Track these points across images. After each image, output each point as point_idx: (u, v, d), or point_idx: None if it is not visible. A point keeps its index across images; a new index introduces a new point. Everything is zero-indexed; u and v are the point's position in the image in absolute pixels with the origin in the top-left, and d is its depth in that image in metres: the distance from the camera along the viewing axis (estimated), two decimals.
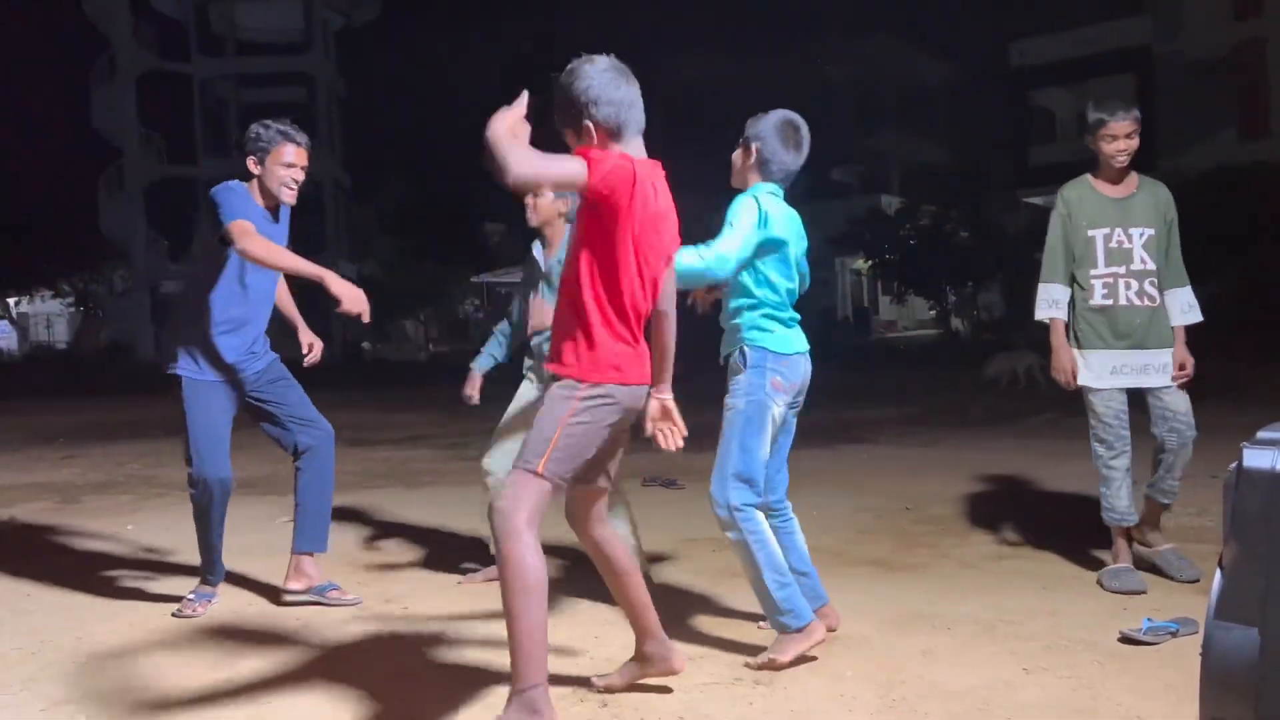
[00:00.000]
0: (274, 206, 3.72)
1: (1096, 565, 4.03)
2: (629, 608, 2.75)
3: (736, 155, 3.26)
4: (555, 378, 2.53)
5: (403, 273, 33.99)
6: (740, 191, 3.21)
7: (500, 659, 3.15)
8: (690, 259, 2.93)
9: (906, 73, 34.03)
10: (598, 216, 2.45)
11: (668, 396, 2.72)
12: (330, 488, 3.94)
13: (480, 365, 4.19)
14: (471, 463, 8.01)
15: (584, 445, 2.46)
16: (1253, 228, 19.17)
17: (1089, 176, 3.97)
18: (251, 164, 3.65)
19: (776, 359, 3.13)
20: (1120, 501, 3.86)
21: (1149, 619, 3.25)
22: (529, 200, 3.95)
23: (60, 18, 32.95)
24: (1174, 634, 3.15)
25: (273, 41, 33.45)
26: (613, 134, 2.53)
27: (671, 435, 2.73)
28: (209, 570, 3.80)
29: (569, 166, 2.39)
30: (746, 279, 3.16)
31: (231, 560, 4.56)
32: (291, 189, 3.67)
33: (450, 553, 4.71)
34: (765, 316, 3.15)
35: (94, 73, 32.63)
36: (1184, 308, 3.88)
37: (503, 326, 4.27)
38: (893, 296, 28.92)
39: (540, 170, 2.36)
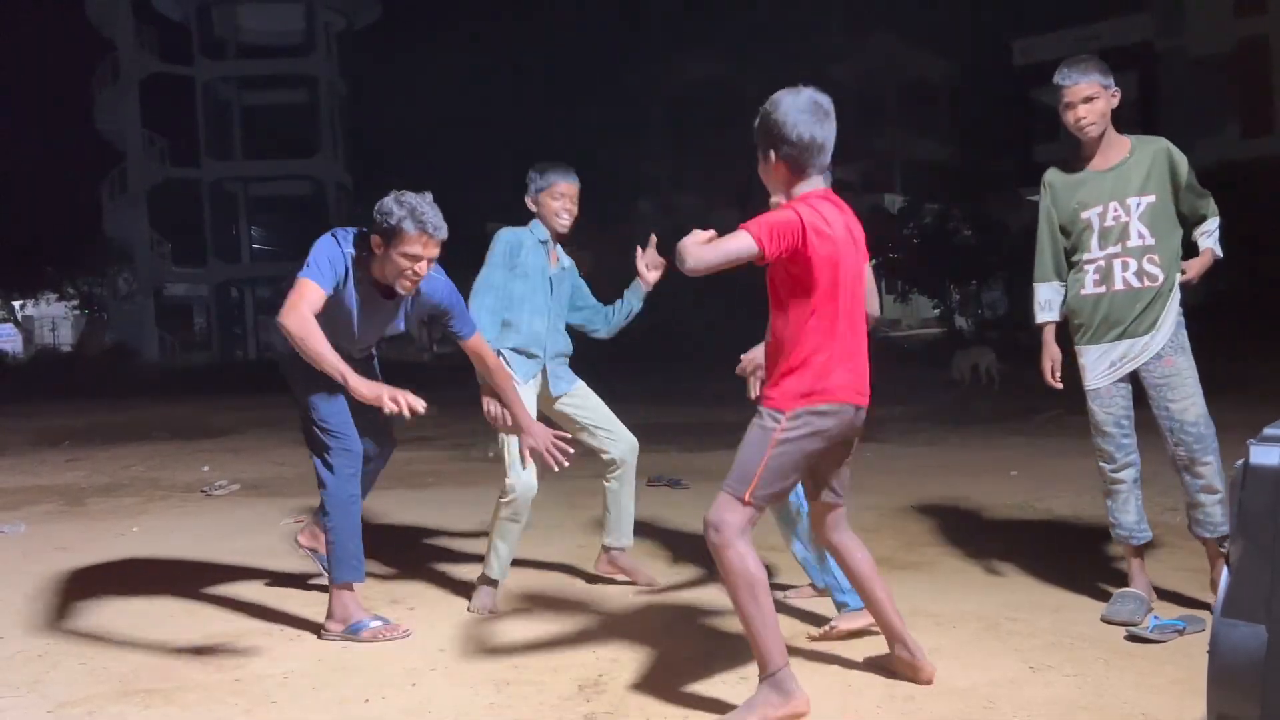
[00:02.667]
0: (390, 287, 3.37)
1: (1102, 563, 4.02)
2: (871, 611, 2.90)
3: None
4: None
5: None
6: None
7: (507, 656, 3.15)
8: None
9: (909, 71, 34.03)
10: (787, 267, 2.58)
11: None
12: (366, 490, 3.84)
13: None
14: (475, 464, 8.02)
15: (786, 470, 2.62)
16: (1257, 225, 19.13)
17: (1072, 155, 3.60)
18: (375, 243, 3.25)
19: None
20: (1127, 516, 3.48)
21: (1156, 616, 3.25)
22: (567, 205, 3.90)
23: (63, 21, 32.98)
24: (1181, 632, 3.15)
25: (275, 44, 33.48)
26: (793, 172, 2.66)
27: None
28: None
29: (740, 246, 2.51)
30: None
31: (237, 560, 4.57)
32: (411, 281, 3.27)
33: (454, 553, 4.72)
34: None
35: (97, 76, 32.70)
36: (1207, 231, 3.50)
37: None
38: (896, 295, 28.93)
39: (713, 259, 2.50)
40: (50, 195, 30.38)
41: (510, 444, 3.70)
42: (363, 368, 3.47)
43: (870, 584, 2.84)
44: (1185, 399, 3.35)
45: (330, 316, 3.28)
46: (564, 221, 3.86)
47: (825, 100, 2.65)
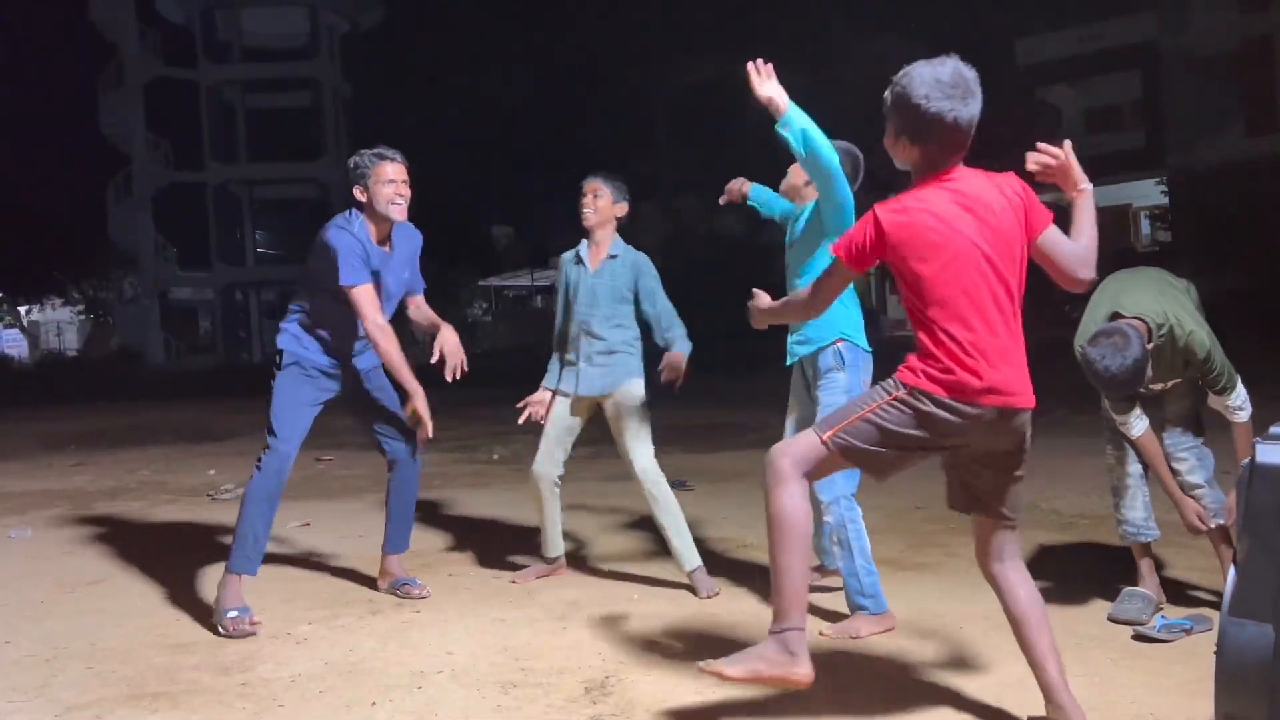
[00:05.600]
0: (385, 237, 3.82)
1: (1108, 563, 4.01)
2: (1028, 658, 2.51)
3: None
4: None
5: None
6: None
7: (513, 659, 3.16)
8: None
9: None
10: (892, 265, 2.41)
11: None
12: (412, 497, 4.09)
13: (548, 383, 4.14)
14: (479, 465, 8.03)
15: (878, 435, 2.37)
16: (1261, 222, 19.09)
17: None
18: (358, 193, 3.77)
19: (865, 357, 3.48)
20: (1135, 513, 3.49)
21: (1163, 616, 3.24)
22: (588, 200, 3.97)
23: (67, 25, 33.05)
24: (1188, 631, 3.14)
25: (278, 47, 33.52)
26: (924, 155, 2.41)
27: None
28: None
29: (834, 278, 2.48)
30: None
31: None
32: (399, 204, 3.76)
33: (460, 555, 4.72)
34: (854, 315, 3.47)
35: (101, 80, 32.74)
36: None
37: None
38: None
39: (818, 299, 2.54)
40: (55, 199, 30.46)
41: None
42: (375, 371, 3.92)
43: (1032, 631, 2.47)
44: (1177, 401, 3.45)
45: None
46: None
47: (970, 74, 2.36)
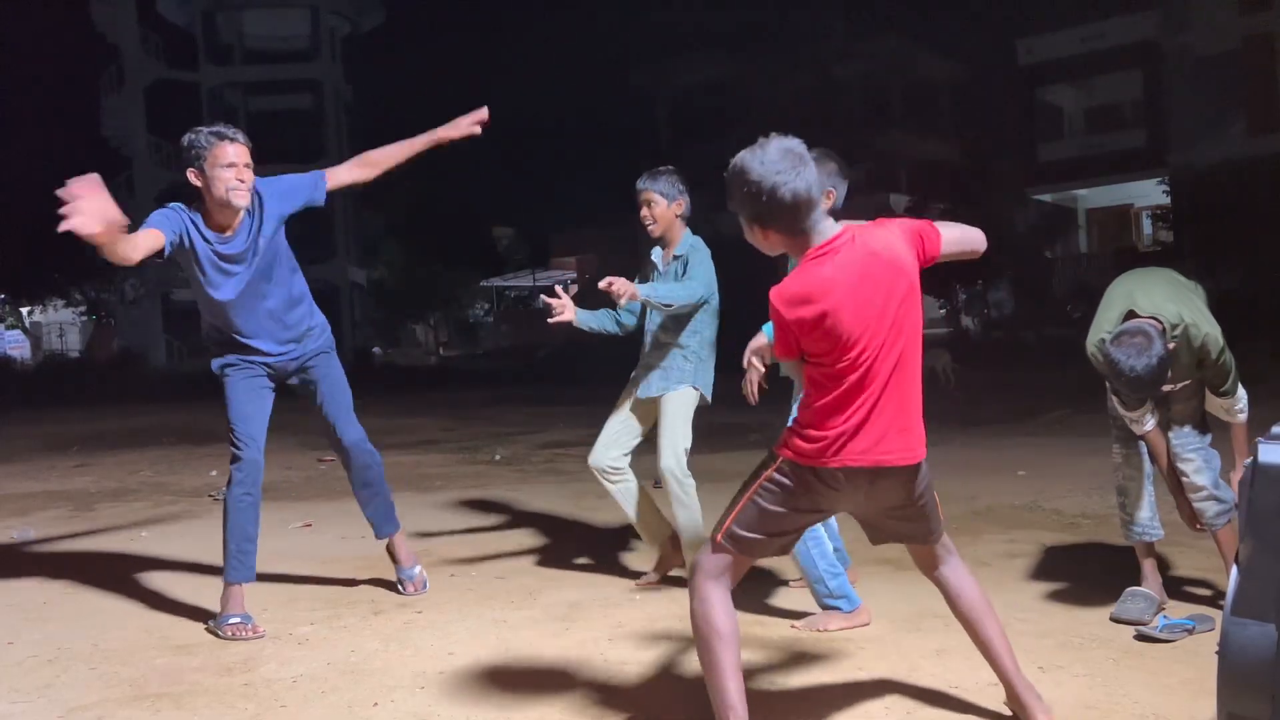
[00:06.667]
0: (228, 225, 3.48)
1: (1111, 563, 4.01)
2: (985, 653, 2.57)
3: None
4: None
5: (412, 277, 34.05)
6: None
7: (515, 660, 3.16)
8: None
9: (914, 71, 33.97)
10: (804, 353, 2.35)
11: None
12: (373, 479, 3.96)
13: (582, 316, 4.03)
14: (482, 466, 8.03)
15: (764, 518, 2.37)
16: (1263, 222, 19.07)
17: None
18: (192, 176, 3.41)
19: None
20: (1141, 513, 3.47)
21: (1165, 616, 3.24)
22: (645, 213, 3.95)
23: (69, 27, 33.08)
24: (1190, 631, 3.14)
25: (280, 49, 33.56)
26: (792, 235, 2.32)
27: None
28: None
29: (790, 366, 2.44)
30: None
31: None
32: (240, 189, 3.39)
33: (463, 556, 4.71)
34: None
35: (103, 82, 32.79)
36: None
37: (615, 315, 4.15)
38: None
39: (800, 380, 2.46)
40: (57, 201, 30.42)
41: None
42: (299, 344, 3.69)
43: (985, 625, 2.53)
44: (1184, 401, 3.40)
45: (219, 294, 3.49)
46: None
47: (796, 144, 2.27)
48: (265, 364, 3.66)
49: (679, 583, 4.03)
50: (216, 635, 3.50)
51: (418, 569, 4.08)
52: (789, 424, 2.43)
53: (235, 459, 3.62)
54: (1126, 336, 3.10)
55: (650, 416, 4.05)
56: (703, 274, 3.87)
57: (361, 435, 3.87)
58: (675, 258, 3.98)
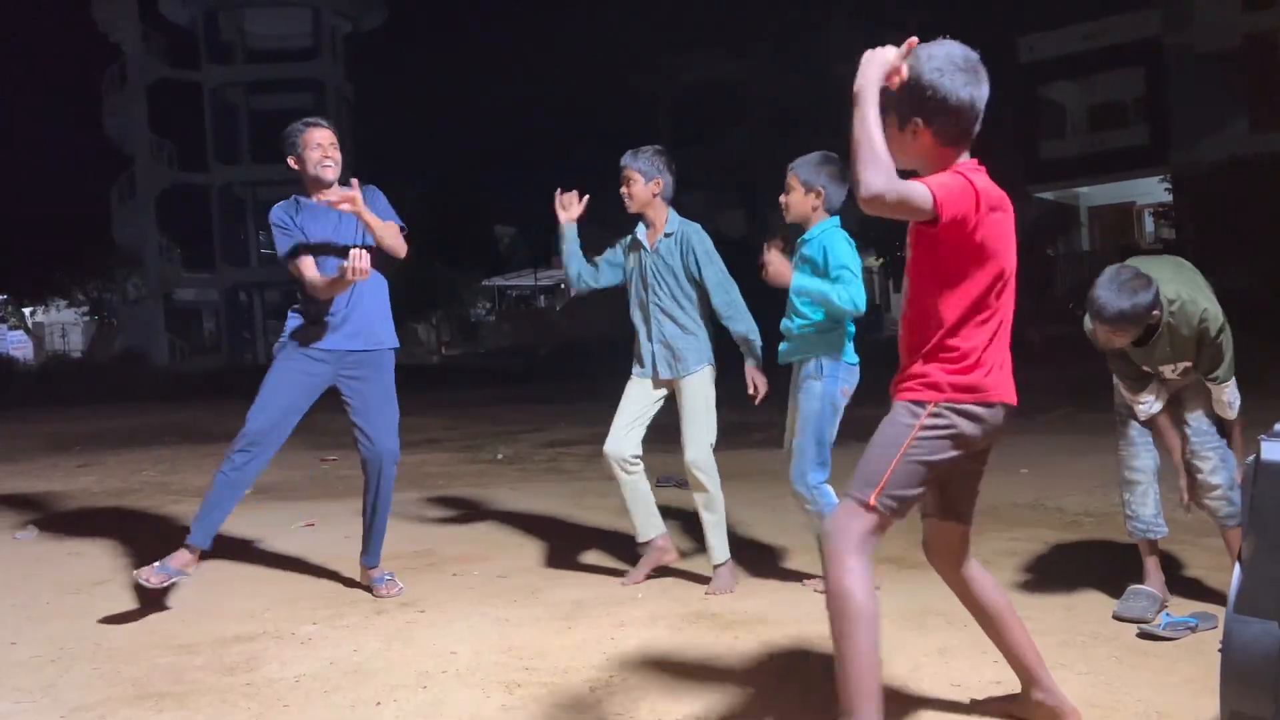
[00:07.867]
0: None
1: (1114, 561, 4.00)
2: (1004, 652, 2.49)
3: (795, 199, 3.72)
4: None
5: (413, 276, 34.05)
6: (796, 226, 3.75)
7: (518, 658, 3.16)
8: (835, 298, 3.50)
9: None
10: (955, 242, 2.16)
11: None
12: (382, 504, 4.14)
13: (570, 236, 4.11)
14: (485, 465, 8.03)
15: (921, 474, 2.24)
16: (1266, 219, 19.04)
17: None
18: (291, 162, 3.94)
19: (846, 369, 3.72)
20: (1145, 510, 3.45)
21: (1168, 614, 3.24)
22: (624, 189, 3.96)
23: (71, 27, 33.14)
24: (1193, 629, 3.14)
25: (282, 48, 33.61)
26: (945, 144, 2.22)
27: None
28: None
29: (917, 199, 2.06)
30: None
31: (249, 564, 4.58)
32: (329, 166, 3.88)
33: (464, 555, 4.72)
34: (840, 335, 3.70)
35: (105, 81, 32.83)
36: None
37: (596, 269, 4.15)
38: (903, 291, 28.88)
39: (895, 198, 2.03)
40: (59, 201, 30.53)
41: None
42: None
43: (1003, 624, 2.44)
44: (1194, 397, 3.40)
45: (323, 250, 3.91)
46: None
47: (975, 55, 2.23)
48: (317, 355, 3.99)
49: (679, 583, 4.03)
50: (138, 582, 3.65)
51: (386, 575, 4.09)
52: (911, 371, 2.25)
53: (243, 444, 3.84)
54: (1124, 275, 3.08)
55: (660, 393, 4.02)
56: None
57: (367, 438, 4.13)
58: (666, 235, 3.96)
